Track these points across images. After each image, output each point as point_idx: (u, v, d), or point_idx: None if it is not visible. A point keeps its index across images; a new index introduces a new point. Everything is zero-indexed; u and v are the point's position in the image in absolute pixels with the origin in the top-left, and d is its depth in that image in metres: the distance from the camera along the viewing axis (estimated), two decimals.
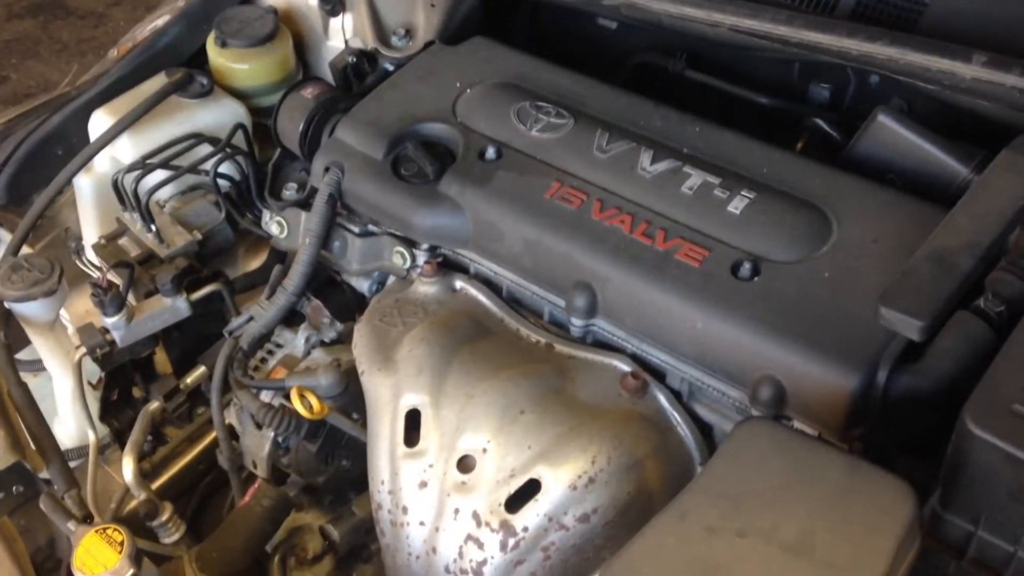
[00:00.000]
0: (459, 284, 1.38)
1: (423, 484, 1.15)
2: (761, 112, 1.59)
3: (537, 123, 1.42)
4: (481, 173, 1.37)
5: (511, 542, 1.09)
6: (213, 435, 1.57)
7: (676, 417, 1.21)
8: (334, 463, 1.44)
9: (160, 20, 1.82)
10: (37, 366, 1.62)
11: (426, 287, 1.38)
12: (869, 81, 1.54)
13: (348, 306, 1.55)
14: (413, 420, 1.19)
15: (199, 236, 1.60)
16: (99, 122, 1.59)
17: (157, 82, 1.64)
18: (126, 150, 1.57)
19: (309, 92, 1.53)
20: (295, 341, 1.48)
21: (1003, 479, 0.91)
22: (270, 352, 1.49)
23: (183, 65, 1.70)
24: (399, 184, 1.40)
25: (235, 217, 1.65)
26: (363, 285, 1.51)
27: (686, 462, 1.20)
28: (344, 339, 1.50)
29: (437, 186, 1.38)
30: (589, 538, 1.10)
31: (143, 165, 1.54)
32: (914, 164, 1.30)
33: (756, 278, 1.18)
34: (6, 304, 1.40)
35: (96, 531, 1.04)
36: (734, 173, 1.29)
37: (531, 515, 1.09)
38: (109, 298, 1.40)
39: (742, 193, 1.26)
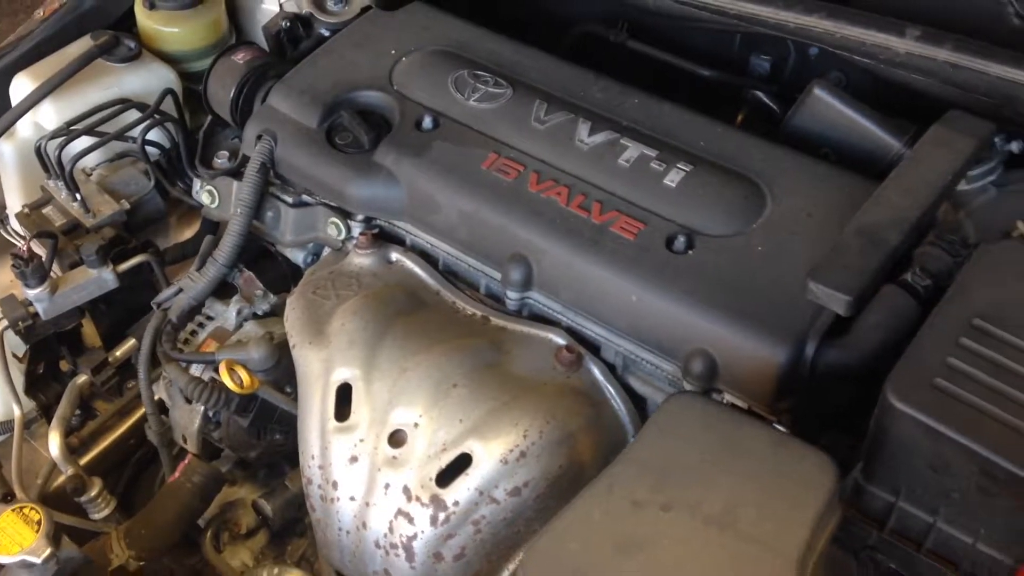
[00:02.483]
0: (395, 256, 1.36)
1: (353, 459, 1.13)
2: (702, 84, 1.59)
3: (475, 92, 1.39)
4: (417, 143, 1.35)
5: (441, 516, 1.08)
6: (143, 410, 1.54)
7: (610, 390, 1.21)
8: (267, 437, 1.41)
9: None
10: None
11: (361, 259, 1.36)
12: (808, 53, 1.54)
13: (283, 278, 1.52)
14: (344, 394, 1.17)
15: (127, 205, 1.55)
16: (21, 86, 1.53)
17: (82, 45, 1.58)
18: (49, 116, 1.52)
19: (240, 57, 1.48)
20: (226, 314, 1.45)
21: (923, 452, 0.92)
22: (200, 325, 1.46)
23: (110, 28, 1.64)
24: (333, 153, 1.37)
25: (165, 186, 1.60)
26: (298, 257, 1.48)
27: (619, 435, 1.20)
28: (277, 312, 1.47)
29: (372, 156, 1.36)
30: (520, 511, 1.10)
31: (67, 131, 1.49)
32: (848, 138, 1.31)
33: (690, 251, 1.18)
34: None
35: (12, 510, 1.01)
36: (671, 146, 1.29)
37: (462, 489, 1.08)
38: (31, 269, 1.36)
39: (678, 166, 1.25)
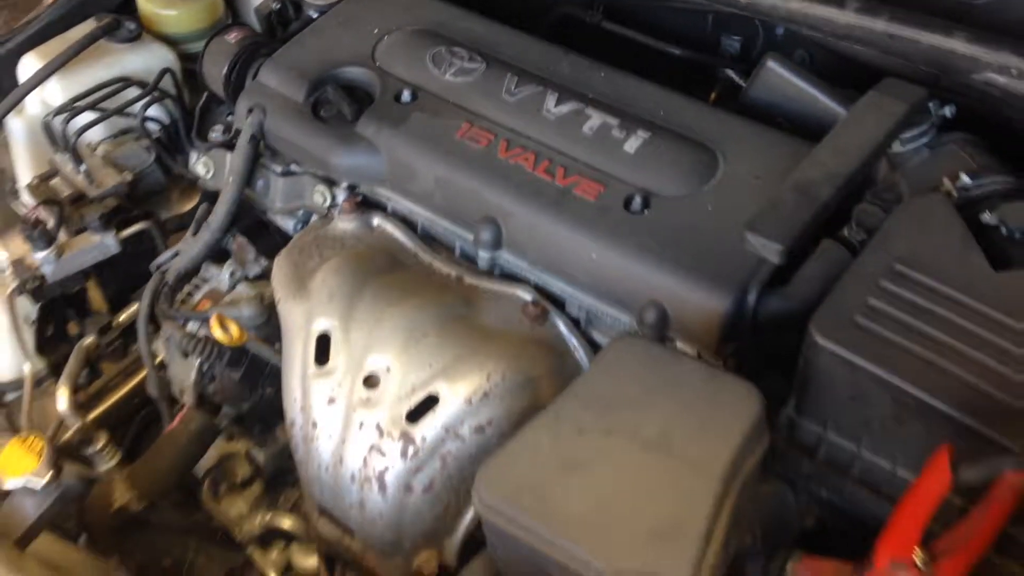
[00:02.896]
0: (376, 221, 1.45)
1: (331, 400, 1.23)
2: (677, 64, 1.67)
3: (451, 67, 1.48)
4: (397, 115, 1.44)
5: (411, 450, 1.18)
6: (146, 370, 1.64)
7: (573, 342, 1.30)
8: (258, 391, 1.51)
9: None
10: None
11: (345, 224, 1.45)
12: (776, 34, 1.62)
13: (275, 246, 1.62)
14: (323, 343, 1.27)
15: (129, 177, 1.65)
16: (28, 66, 1.63)
17: (87, 27, 1.67)
18: (55, 93, 1.62)
19: (233, 37, 1.58)
20: (220, 276, 1.54)
21: (844, 384, 1.01)
22: (196, 287, 1.55)
23: (113, 12, 1.74)
24: (319, 125, 1.47)
25: (166, 160, 1.70)
26: (288, 224, 1.58)
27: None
28: (268, 275, 1.56)
29: (355, 127, 1.45)
30: (484, 448, 1.19)
31: (71, 107, 1.59)
32: (799, 107, 1.39)
33: (646, 211, 1.27)
34: None
35: (16, 439, 1.11)
36: (632, 115, 1.37)
37: (429, 427, 1.18)
38: (38, 233, 1.46)
39: (637, 133, 1.34)
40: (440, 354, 1.22)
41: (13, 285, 1.50)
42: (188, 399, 1.51)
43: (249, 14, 1.83)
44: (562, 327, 1.31)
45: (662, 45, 1.68)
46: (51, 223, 1.49)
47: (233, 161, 1.50)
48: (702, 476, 0.94)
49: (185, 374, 1.50)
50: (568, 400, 1.01)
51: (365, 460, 1.20)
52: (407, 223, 1.45)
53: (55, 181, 1.65)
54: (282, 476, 1.57)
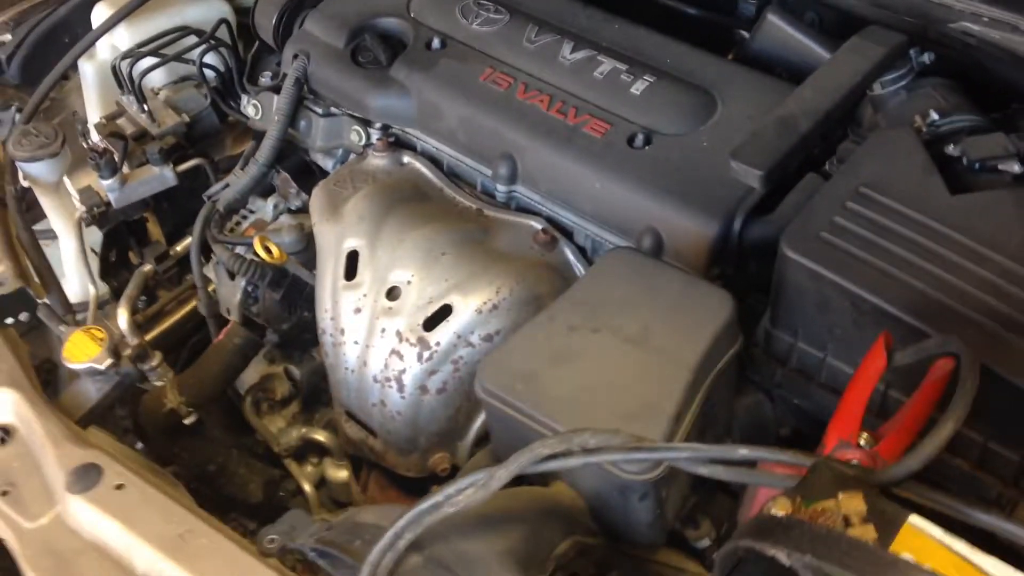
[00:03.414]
0: (406, 159, 1.59)
1: (357, 310, 1.37)
2: (696, 26, 1.77)
3: (477, 18, 1.62)
4: (427, 60, 1.58)
5: (426, 355, 1.32)
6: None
7: (579, 267, 1.43)
8: (296, 313, 1.66)
9: None
10: (48, 235, 1.86)
11: (377, 160, 1.60)
12: None
13: (315, 183, 1.77)
14: (352, 260, 1.41)
15: (187, 119, 1.81)
16: (100, 13, 1.80)
17: None
18: (124, 38, 1.78)
19: None
20: (265, 208, 1.70)
21: (810, 294, 1.12)
22: (244, 217, 1.71)
23: None
24: (356, 70, 1.61)
25: (220, 106, 1.86)
26: (328, 164, 1.72)
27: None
28: (308, 208, 1.71)
29: (389, 72, 1.59)
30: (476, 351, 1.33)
31: (136, 52, 1.75)
32: (797, 58, 1.49)
33: (647, 147, 1.38)
34: (17, 163, 1.62)
35: (82, 330, 1.28)
36: (640, 62, 1.49)
37: (444, 333, 1.32)
38: (105, 161, 1.62)
39: (644, 78, 1.46)
40: (455, 271, 1.35)
41: (81, 209, 1.67)
42: (234, 316, 1.67)
43: None
44: (569, 254, 1.43)
45: (681, 6, 1.78)
46: (116, 156, 1.66)
47: (279, 102, 1.64)
48: (675, 366, 1.06)
49: (232, 294, 1.66)
50: (562, 303, 1.14)
51: (386, 363, 1.34)
52: (434, 161, 1.59)
53: (120, 120, 1.82)
54: (316, 396, 1.73)
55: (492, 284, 1.33)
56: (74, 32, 1.81)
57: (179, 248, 1.86)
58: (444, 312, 1.33)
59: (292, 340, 1.70)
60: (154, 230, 1.88)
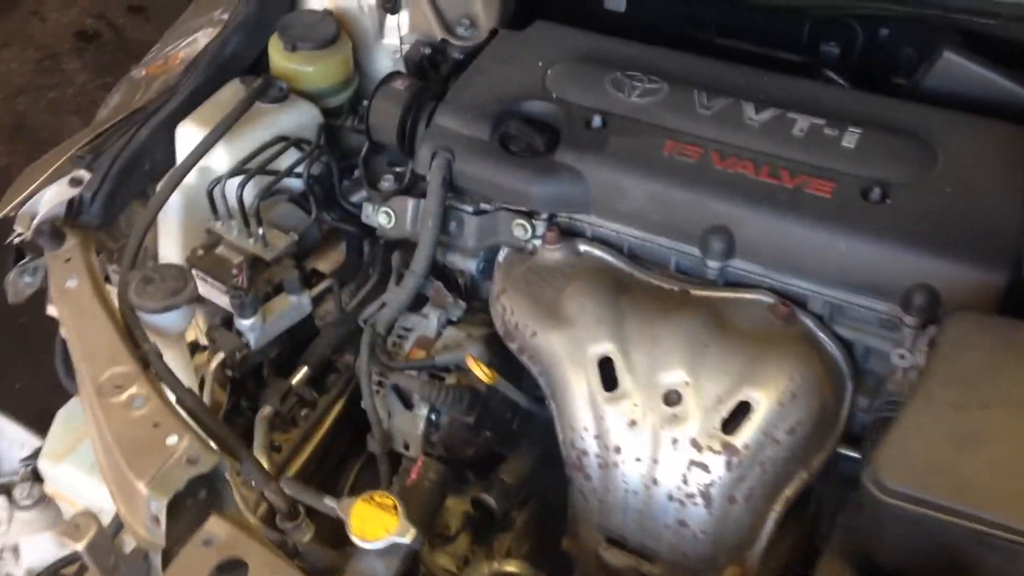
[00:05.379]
0: (582, 247, 1.46)
1: (632, 423, 1.22)
2: (781, 68, 1.72)
3: (633, 90, 1.51)
4: (594, 140, 1.46)
5: (735, 461, 1.18)
6: (320, 435, 1.60)
7: (823, 337, 1.33)
8: (482, 434, 1.49)
9: (201, 34, 1.83)
10: None
11: (552, 253, 1.46)
12: (878, 34, 1.70)
13: (458, 287, 1.61)
14: (605, 368, 1.26)
15: (296, 237, 1.61)
16: (187, 134, 1.59)
17: (232, 90, 1.65)
18: (221, 158, 1.57)
19: (401, 84, 1.57)
20: (426, 323, 1.52)
21: None
22: (400, 336, 1.53)
23: (248, 72, 1.71)
24: (514, 159, 1.47)
25: (321, 216, 1.67)
26: (470, 265, 1.57)
27: (841, 377, 1.31)
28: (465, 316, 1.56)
29: (553, 157, 1.46)
30: (792, 450, 1.21)
31: (242, 171, 1.55)
32: (980, 93, 1.46)
33: (887, 200, 1.31)
34: (143, 317, 1.39)
35: (363, 500, 1.07)
36: (835, 114, 1.42)
37: (748, 433, 1.18)
38: (250, 300, 1.41)
39: (850, 129, 1.39)
40: (730, 362, 1.23)
41: (219, 357, 1.45)
42: (415, 451, 1.48)
43: (372, 65, 1.82)
44: (811, 324, 1.33)
45: (773, 52, 1.74)
46: (250, 287, 1.45)
47: (428, 205, 1.48)
48: None
49: (411, 425, 1.47)
50: (931, 381, 1.04)
51: (684, 477, 1.19)
52: (610, 246, 1.46)
53: (220, 250, 1.60)
54: (494, 522, 1.54)
55: (782, 370, 1.21)
56: (154, 157, 1.59)
57: (294, 382, 1.65)
58: (742, 410, 1.20)
59: (475, 465, 1.52)
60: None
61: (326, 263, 1.79)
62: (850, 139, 1.38)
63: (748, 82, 1.52)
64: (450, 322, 1.54)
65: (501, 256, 1.53)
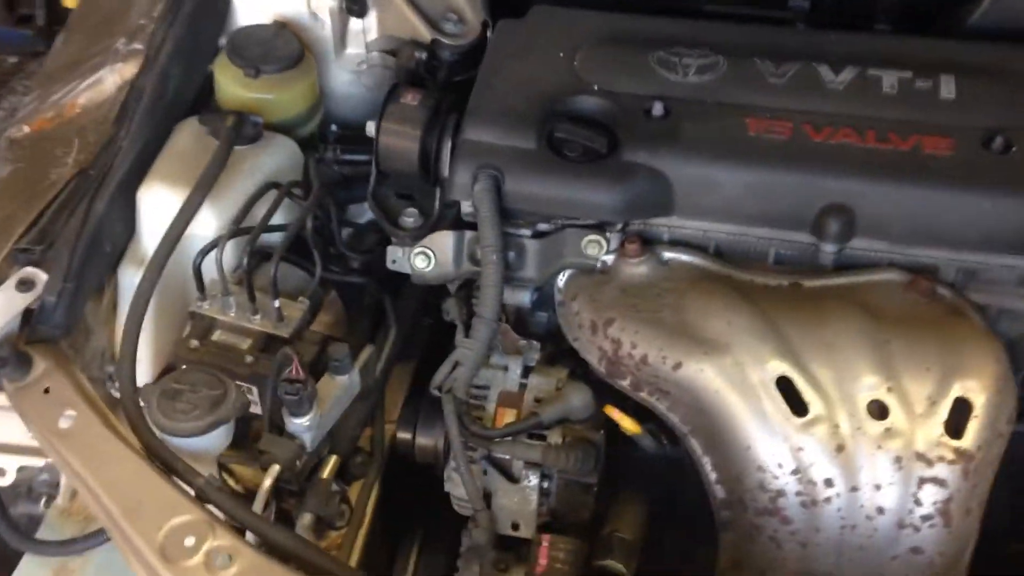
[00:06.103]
0: (667, 255, 1.26)
1: (840, 448, 1.04)
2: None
3: (688, 68, 1.32)
4: (663, 131, 1.26)
5: (972, 468, 1.02)
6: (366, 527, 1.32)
7: (965, 306, 1.20)
8: (594, 492, 1.26)
9: (105, 72, 1.46)
10: None
11: (637, 268, 1.25)
12: None
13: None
14: (786, 390, 1.07)
15: (306, 302, 1.31)
16: (154, 198, 1.24)
17: (189, 133, 1.32)
18: (205, 222, 1.24)
19: (411, 99, 1.30)
20: (504, 375, 1.27)
21: None
22: (475, 398, 1.27)
23: (194, 110, 1.38)
24: (575, 167, 1.25)
25: (327, 274, 1.37)
26: (522, 297, 1.33)
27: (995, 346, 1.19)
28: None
29: (620, 157, 1.25)
30: (1007, 441, 1.07)
31: (239, 232, 1.23)
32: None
33: (1012, 148, 1.19)
34: (175, 443, 1.06)
35: None
36: (916, 65, 1.29)
37: (980, 432, 1.03)
38: (308, 394, 1.11)
39: (941, 79, 1.27)
40: (923, 355, 1.07)
41: (274, 471, 1.13)
42: (527, 531, 1.24)
43: (331, 80, 1.53)
44: (949, 294, 1.20)
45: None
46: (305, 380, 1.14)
47: (483, 237, 1.23)
48: None
49: (522, 500, 1.23)
50: None
51: (916, 498, 1.02)
52: (695, 248, 1.27)
53: (217, 336, 1.27)
54: None
55: (984, 354, 1.07)
56: (114, 234, 1.23)
57: (325, 475, 1.34)
58: (961, 407, 1.04)
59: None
60: None
61: (318, 325, 1.49)
62: (947, 89, 1.26)
63: (803, 42, 1.37)
64: (529, 368, 1.29)
65: (561, 282, 1.30)
